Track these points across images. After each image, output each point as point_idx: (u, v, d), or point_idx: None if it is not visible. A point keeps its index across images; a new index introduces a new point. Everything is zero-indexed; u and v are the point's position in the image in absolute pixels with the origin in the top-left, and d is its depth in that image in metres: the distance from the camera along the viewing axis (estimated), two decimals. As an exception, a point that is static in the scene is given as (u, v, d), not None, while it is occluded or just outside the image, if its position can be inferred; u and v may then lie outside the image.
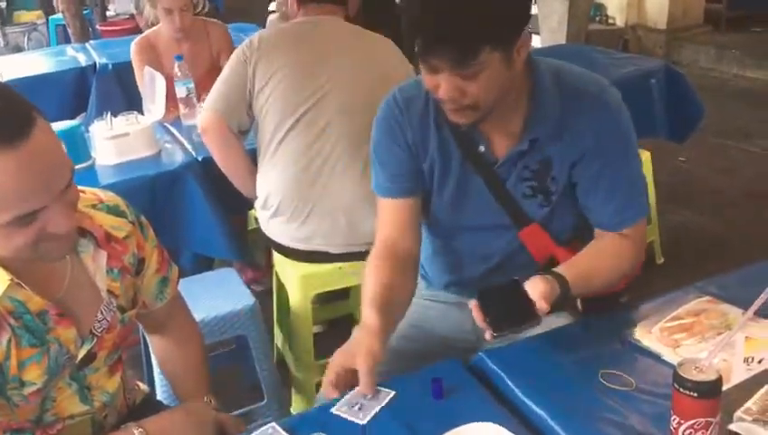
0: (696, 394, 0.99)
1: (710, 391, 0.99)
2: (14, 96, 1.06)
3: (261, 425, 1.23)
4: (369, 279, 1.47)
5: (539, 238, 1.53)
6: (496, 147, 1.48)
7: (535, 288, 1.32)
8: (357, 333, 1.39)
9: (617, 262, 1.48)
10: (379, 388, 1.28)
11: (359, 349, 1.30)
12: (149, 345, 1.68)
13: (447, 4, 1.26)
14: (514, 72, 1.36)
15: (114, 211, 1.32)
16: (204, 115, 2.29)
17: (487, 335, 1.31)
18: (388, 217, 1.56)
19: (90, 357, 1.28)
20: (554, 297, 1.33)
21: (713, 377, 1.00)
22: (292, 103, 2.17)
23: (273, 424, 1.23)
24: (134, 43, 3.13)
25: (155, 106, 2.82)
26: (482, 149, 1.48)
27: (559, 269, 1.40)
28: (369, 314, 1.38)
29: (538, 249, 1.55)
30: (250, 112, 2.24)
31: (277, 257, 2.37)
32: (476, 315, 1.32)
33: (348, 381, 1.29)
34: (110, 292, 1.29)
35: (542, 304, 1.29)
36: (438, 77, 1.32)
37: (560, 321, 1.53)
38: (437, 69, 1.31)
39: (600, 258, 1.47)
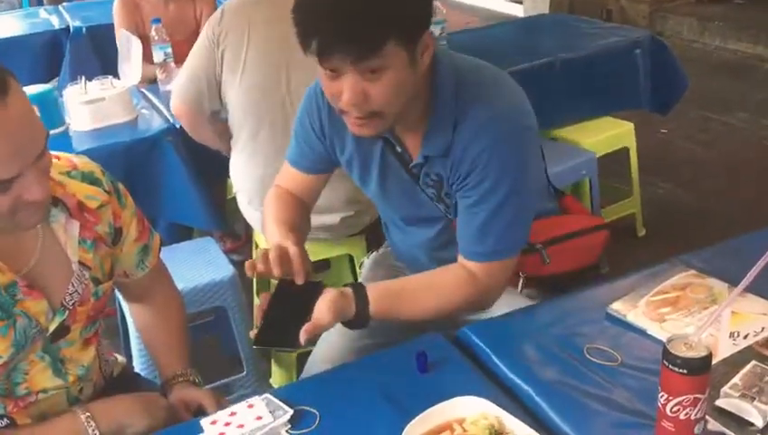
0: (685, 371, 0.97)
1: (700, 367, 0.98)
2: None
3: (240, 396, 1.20)
4: (277, 203, 1.56)
5: None
6: (409, 150, 1.44)
7: (320, 306, 1.27)
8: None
9: (449, 292, 1.40)
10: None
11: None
12: (129, 314, 1.64)
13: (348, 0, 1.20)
14: (418, 76, 1.30)
15: (89, 179, 1.28)
16: (173, 102, 2.27)
17: (251, 334, 1.28)
18: (289, 179, 1.62)
19: (63, 330, 1.24)
20: (338, 319, 1.29)
21: (703, 353, 0.98)
22: (260, 109, 2.11)
23: (267, 395, 1.21)
24: (117, 0, 3.05)
25: (131, 69, 2.75)
26: (398, 149, 1.45)
27: (371, 285, 1.36)
28: (285, 235, 1.41)
29: None
30: (220, 95, 2.18)
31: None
32: (257, 312, 1.29)
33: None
34: (81, 263, 1.25)
35: (308, 329, 1.24)
36: (341, 81, 1.25)
37: (521, 301, 1.52)
38: (339, 69, 1.24)
39: (429, 283, 1.42)
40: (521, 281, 1.55)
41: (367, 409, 1.19)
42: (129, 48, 2.75)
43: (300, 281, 1.30)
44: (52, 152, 1.17)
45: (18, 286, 1.17)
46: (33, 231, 1.20)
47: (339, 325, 1.33)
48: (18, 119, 1.03)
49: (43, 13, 4.03)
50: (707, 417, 1.04)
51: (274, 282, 1.35)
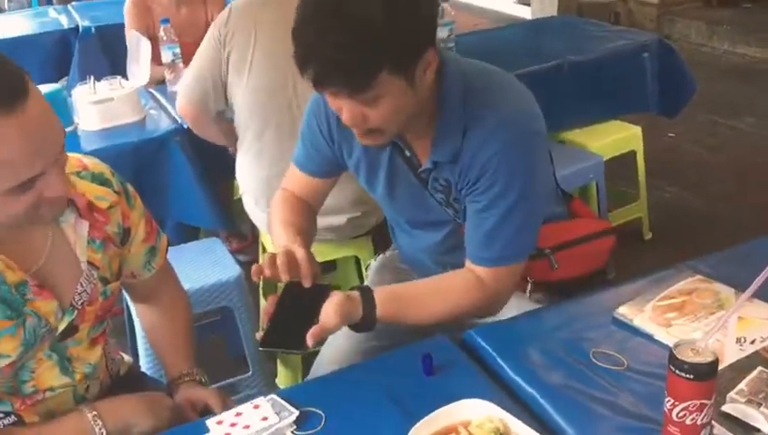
0: (692, 376, 0.97)
1: (706, 373, 0.98)
2: (8, 63, 1.05)
3: (246, 396, 1.21)
4: (284, 206, 1.56)
5: None
6: (418, 154, 1.45)
7: (327, 310, 1.27)
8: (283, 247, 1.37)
9: (456, 296, 1.40)
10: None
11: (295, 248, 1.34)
12: (136, 314, 1.65)
13: (341, 31, 1.18)
14: (421, 92, 1.29)
15: (99, 179, 1.29)
16: (179, 102, 2.28)
17: (257, 335, 1.29)
18: (295, 182, 1.62)
19: (71, 330, 1.25)
20: (345, 322, 1.30)
21: (709, 359, 0.98)
22: (266, 110, 2.12)
23: (273, 396, 1.22)
24: (129, 1, 3.07)
25: (140, 70, 2.76)
26: (407, 153, 1.45)
27: (378, 289, 1.36)
28: (293, 238, 1.43)
29: None
30: (226, 96, 2.19)
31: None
32: (263, 314, 1.28)
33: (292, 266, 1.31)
34: (90, 263, 1.26)
35: (314, 332, 1.24)
36: (339, 101, 1.27)
37: (529, 305, 1.52)
38: (336, 94, 1.26)
39: (437, 287, 1.43)
40: (528, 286, 1.55)
41: (372, 411, 1.19)
42: (138, 49, 2.76)
43: (307, 284, 1.30)
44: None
45: (29, 286, 1.17)
46: (42, 230, 1.21)
47: (345, 328, 1.33)
48: (38, 119, 1.05)
49: (52, 12, 4.05)
50: (713, 422, 1.04)
51: (281, 284, 1.35)
